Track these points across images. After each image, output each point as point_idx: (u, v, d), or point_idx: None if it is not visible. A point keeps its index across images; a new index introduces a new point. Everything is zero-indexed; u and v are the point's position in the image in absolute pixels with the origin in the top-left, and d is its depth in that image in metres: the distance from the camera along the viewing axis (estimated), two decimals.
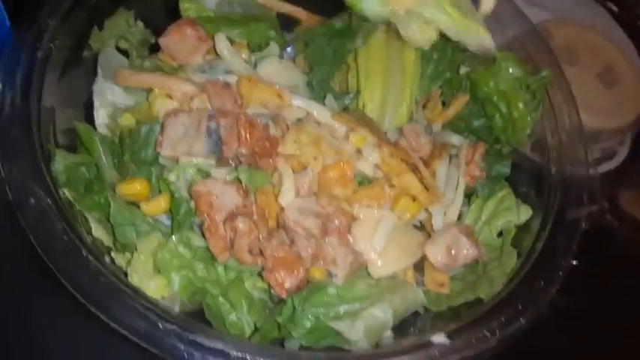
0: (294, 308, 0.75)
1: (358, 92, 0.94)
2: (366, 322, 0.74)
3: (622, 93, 1.26)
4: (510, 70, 0.91)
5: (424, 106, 1.00)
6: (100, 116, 0.88)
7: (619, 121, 1.24)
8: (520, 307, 0.73)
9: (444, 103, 1.01)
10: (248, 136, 0.79)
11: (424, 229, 0.90)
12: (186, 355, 0.64)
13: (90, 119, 0.88)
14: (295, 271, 0.75)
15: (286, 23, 1.04)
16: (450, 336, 0.71)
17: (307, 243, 0.78)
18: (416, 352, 0.69)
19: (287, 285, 0.75)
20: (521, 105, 0.90)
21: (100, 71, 0.90)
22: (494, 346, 0.70)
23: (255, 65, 0.92)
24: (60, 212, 0.70)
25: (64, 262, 0.66)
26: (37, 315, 0.89)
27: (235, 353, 0.65)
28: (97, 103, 0.89)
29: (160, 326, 0.65)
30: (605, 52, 1.32)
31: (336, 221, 0.79)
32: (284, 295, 0.75)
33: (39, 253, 0.66)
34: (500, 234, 0.88)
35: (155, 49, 0.95)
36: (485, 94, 0.94)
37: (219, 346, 0.65)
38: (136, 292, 0.69)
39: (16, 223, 0.66)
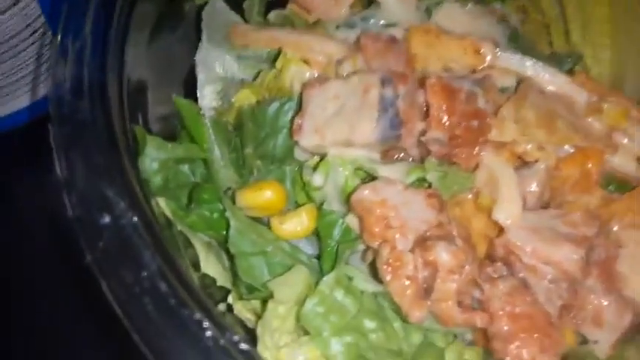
0: None
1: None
2: None
3: None
4: None
5: None
6: (207, 95, 0.62)
7: None
8: None
9: None
10: (446, 110, 0.48)
11: None
12: None
13: (192, 100, 0.60)
14: (548, 342, 0.42)
15: None
16: None
17: (555, 289, 0.46)
18: None
19: None
20: None
21: (205, 33, 0.64)
22: None
23: (428, 14, 0.61)
24: (152, 236, 0.41)
25: (155, 324, 0.38)
26: None
27: None
28: (201, 77, 0.63)
29: None
30: None
31: (600, 252, 0.47)
32: None
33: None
34: None
35: (278, 5, 0.67)
36: None
37: None
38: None
39: (75, 252, 0.38)
